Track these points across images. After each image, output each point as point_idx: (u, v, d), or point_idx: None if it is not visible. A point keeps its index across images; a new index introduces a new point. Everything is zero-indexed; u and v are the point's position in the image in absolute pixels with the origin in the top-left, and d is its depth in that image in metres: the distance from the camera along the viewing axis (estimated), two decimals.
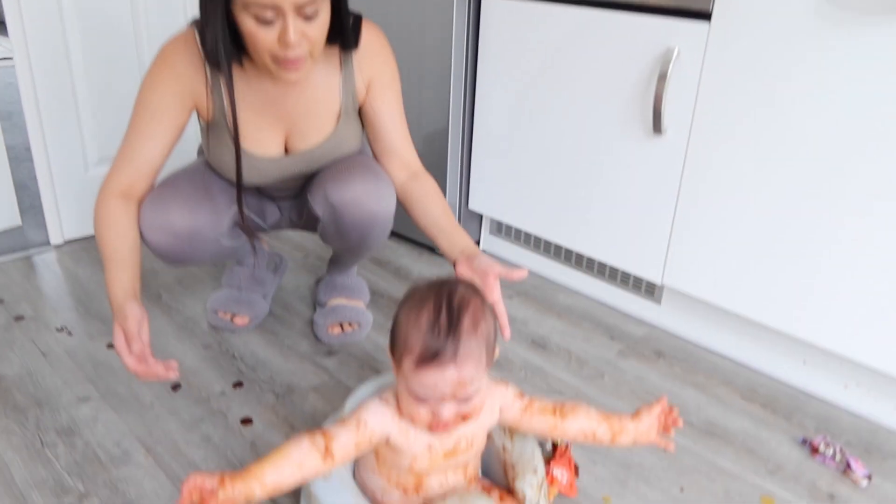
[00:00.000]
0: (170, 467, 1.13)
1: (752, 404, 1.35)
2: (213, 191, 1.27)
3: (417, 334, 0.78)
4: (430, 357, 0.77)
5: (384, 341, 1.49)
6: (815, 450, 1.21)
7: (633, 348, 1.52)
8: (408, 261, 1.89)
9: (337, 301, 1.54)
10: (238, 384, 1.35)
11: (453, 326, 0.78)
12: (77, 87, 1.80)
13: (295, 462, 0.78)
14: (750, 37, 1.25)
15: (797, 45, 1.20)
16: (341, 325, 1.49)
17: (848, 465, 1.17)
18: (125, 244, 1.13)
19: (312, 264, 1.84)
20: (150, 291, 1.67)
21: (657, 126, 1.41)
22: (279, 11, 1.01)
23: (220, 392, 1.32)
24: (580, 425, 0.92)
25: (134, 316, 1.02)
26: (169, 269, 1.80)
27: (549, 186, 1.67)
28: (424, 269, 1.84)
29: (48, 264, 1.80)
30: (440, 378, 0.77)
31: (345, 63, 1.24)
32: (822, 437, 1.23)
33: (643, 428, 0.93)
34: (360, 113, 1.31)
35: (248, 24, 1.03)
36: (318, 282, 1.66)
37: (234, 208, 1.30)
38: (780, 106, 1.25)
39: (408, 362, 0.79)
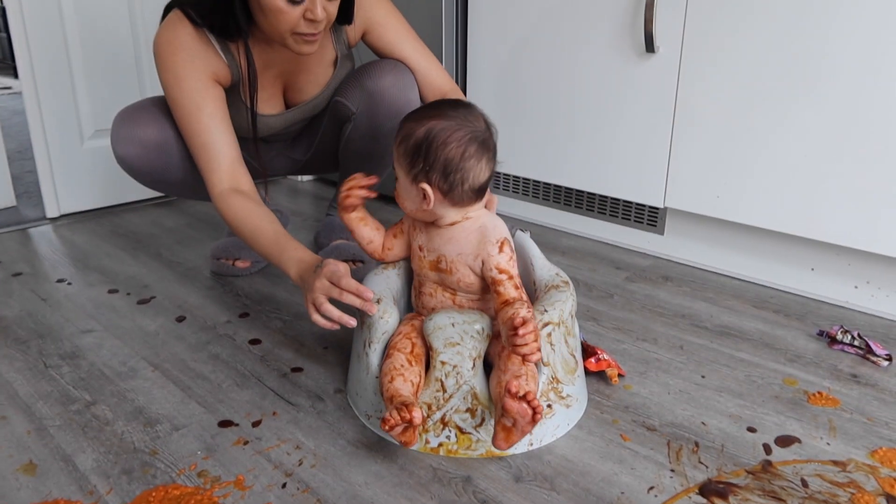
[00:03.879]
0: (178, 378, 1.10)
1: (764, 311, 1.34)
2: None
3: None
4: None
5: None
6: (833, 339, 1.20)
7: (640, 275, 1.51)
8: None
9: (339, 241, 1.53)
10: (244, 314, 1.32)
11: None
12: (72, 60, 1.81)
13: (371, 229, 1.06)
14: None
15: None
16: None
17: (868, 348, 1.16)
18: (275, 224, 1.11)
19: (311, 226, 1.83)
20: (149, 251, 1.65)
21: (650, 45, 1.43)
22: None
23: (226, 321, 1.30)
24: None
25: (343, 263, 0.99)
26: (167, 230, 1.78)
27: (547, 128, 1.68)
28: None
29: (44, 234, 1.78)
30: None
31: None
32: (838, 327, 1.21)
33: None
34: (376, 52, 1.32)
35: (275, 1, 1.05)
36: (316, 233, 1.65)
37: None
38: (769, 12, 1.27)
39: None
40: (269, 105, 1.30)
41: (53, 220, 1.87)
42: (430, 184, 0.90)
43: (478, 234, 0.94)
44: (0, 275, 1.51)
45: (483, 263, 0.93)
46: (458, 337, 0.90)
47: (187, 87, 1.16)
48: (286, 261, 1.06)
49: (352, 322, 0.97)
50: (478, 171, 0.91)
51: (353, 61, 1.34)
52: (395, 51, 1.29)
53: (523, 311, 0.86)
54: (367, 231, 1.05)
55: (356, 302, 0.95)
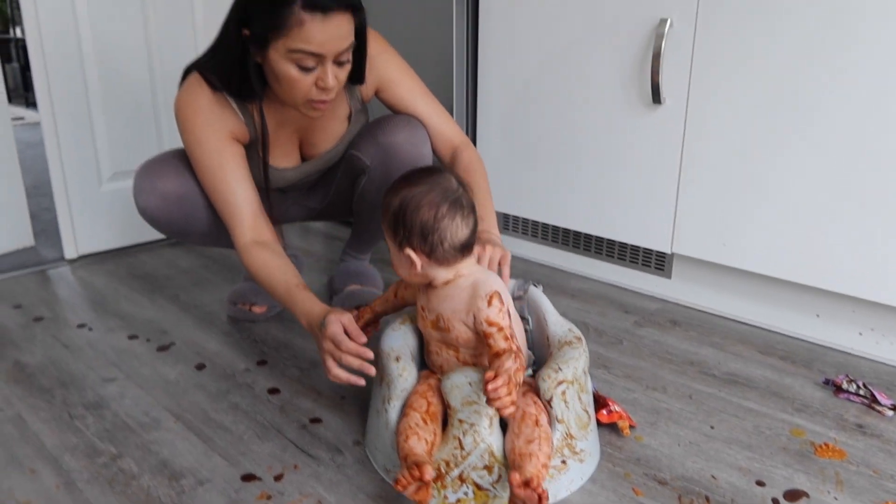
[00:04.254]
0: (200, 430, 1.13)
1: (770, 358, 1.36)
2: None
3: None
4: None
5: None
6: (838, 388, 1.23)
7: (649, 319, 1.54)
8: None
9: (353, 287, 1.56)
10: (262, 362, 1.35)
11: None
12: (92, 105, 1.86)
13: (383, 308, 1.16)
14: None
15: (781, 1, 1.28)
16: (359, 308, 1.51)
17: (873, 398, 1.19)
18: (294, 275, 1.17)
19: (323, 267, 1.87)
20: (166, 293, 1.69)
21: (656, 96, 1.47)
22: (321, 60, 1.10)
23: (244, 369, 1.33)
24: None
25: (350, 315, 1.05)
26: (183, 272, 1.82)
27: (556, 173, 1.72)
28: None
29: (63, 276, 1.81)
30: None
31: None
32: (843, 376, 1.24)
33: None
34: (389, 107, 1.37)
35: (288, 70, 1.10)
36: (330, 278, 1.68)
37: None
38: (770, 61, 1.32)
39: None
40: (285, 159, 1.34)
41: (71, 261, 1.91)
42: (412, 249, 0.95)
43: (470, 290, 0.98)
44: (22, 319, 1.55)
45: (474, 318, 0.96)
46: (476, 396, 0.93)
47: (208, 148, 1.21)
48: (297, 313, 1.12)
49: (360, 381, 1.01)
50: (454, 229, 0.95)
51: (367, 115, 1.39)
52: (408, 106, 1.34)
53: (507, 364, 0.88)
54: (381, 307, 1.16)
55: (355, 363, 1.00)
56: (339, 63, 1.12)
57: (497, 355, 0.92)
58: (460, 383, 0.95)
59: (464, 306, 0.97)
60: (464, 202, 0.96)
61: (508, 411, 0.85)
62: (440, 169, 0.99)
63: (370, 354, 1.00)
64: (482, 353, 1.01)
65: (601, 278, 1.76)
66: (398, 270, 1.01)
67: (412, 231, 0.94)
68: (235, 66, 1.16)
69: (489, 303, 0.95)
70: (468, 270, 0.99)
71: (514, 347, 0.92)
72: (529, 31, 1.68)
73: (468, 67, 1.82)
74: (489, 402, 0.86)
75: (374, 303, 1.17)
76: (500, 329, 0.94)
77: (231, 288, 1.65)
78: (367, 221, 1.49)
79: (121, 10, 1.86)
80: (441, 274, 0.98)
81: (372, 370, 1.00)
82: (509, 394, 0.85)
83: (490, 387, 0.84)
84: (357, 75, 1.24)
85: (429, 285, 1.01)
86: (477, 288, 0.97)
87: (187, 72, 1.26)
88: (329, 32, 1.07)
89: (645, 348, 1.41)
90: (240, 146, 1.26)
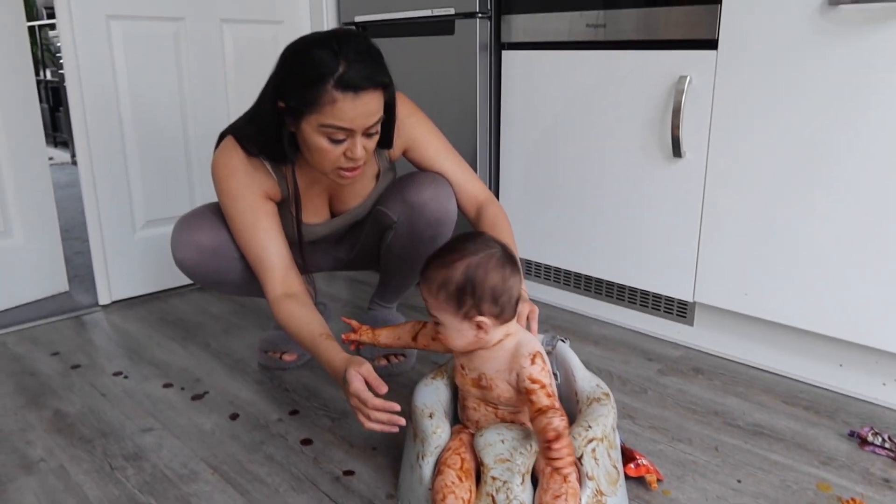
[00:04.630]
0: (237, 482, 1.16)
1: (794, 408, 1.38)
2: None
3: None
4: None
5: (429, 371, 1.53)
6: (864, 441, 1.24)
7: (672, 367, 1.56)
8: None
9: None
10: (294, 412, 1.39)
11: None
12: (128, 159, 1.93)
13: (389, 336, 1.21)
14: (754, 57, 1.37)
15: (798, 60, 1.32)
16: (388, 358, 1.55)
17: None
18: (319, 325, 1.22)
19: (350, 312, 1.91)
20: (197, 340, 1.73)
21: (676, 150, 1.51)
22: (350, 133, 1.16)
23: (277, 419, 1.36)
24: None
25: (368, 364, 1.09)
26: (213, 318, 1.86)
27: (579, 222, 1.76)
28: None
29: (97, 322, 1.87)
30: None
31: None
32: (869, 428, 1.25)
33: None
34: (415, 165, 1.42)
35: (319, 141, 1.17)
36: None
37: None
38: (789, 117, 1.35)
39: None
40: (315, 215, 1.39)
41: (105, 306, 1.96)
42: (483, 314, 0.99)
43: (513, 350, 1.02)
44: (60, 367, 1.59)
45: (517, 376, 1.00)
46: (508, 453, 0.96)
47: (242, 207, 1.27)
48: (322, 362, 1.18)
49: (394, 429, 1.05)
50: (516, 285, 1.01)
51: (394, 173, 1.44)
52: (435, 165, 1.39)
53: (556, 422, 0.92)
54: (386, 339, 1.21)
55: (383, 418, 1.04)
56: (368, 135, 1.17)
57: (540, 412, 0.95)
58: (493, 441, 0.97)
59: (507, 366, 1.01)
60: (514, 259, 1.02)
61: (567, 471, 0.89)
62: (480, 233, 1.04)
63: (397, 407, 1.04)
64: (520, 411, 1.04)
65: (624, 324, 1.78)
66: (454, 342, 1.03)
67: (483, 297, 0.98)
68: (270, 133, 1.22)
69: (532, 361, 0.99)
70: (514, 328, 1.03)
71: (557, 405, 0.96)
72: (551, 86, 1.73)
73: (491, 120, 1.87)
74: (549, 462, 0.89)
75: (378, 332, 1.22)
76: (543, 386, 0.97)
77: (261, 335, 1.69)
78: (394, 273, 1.53)
79: (157, 74, 1.94)
80: (498, 333, 1.02)
81: (402, 421, 1.04)
82: (570, 455, 0.89)
83: (555, 446, 0.88)
84: (385, 141, 1.29)
85: None
86: (520, 347, 1.01)
87: (223, 136, 1.32)
88: (359, 110, 1.12)
89: (669, 398, 1.43)
90: (272, 204, 1.31)
